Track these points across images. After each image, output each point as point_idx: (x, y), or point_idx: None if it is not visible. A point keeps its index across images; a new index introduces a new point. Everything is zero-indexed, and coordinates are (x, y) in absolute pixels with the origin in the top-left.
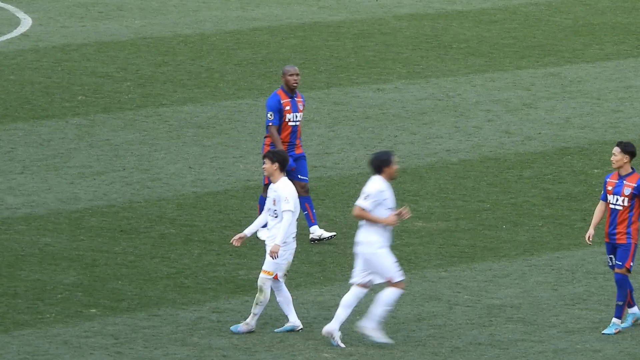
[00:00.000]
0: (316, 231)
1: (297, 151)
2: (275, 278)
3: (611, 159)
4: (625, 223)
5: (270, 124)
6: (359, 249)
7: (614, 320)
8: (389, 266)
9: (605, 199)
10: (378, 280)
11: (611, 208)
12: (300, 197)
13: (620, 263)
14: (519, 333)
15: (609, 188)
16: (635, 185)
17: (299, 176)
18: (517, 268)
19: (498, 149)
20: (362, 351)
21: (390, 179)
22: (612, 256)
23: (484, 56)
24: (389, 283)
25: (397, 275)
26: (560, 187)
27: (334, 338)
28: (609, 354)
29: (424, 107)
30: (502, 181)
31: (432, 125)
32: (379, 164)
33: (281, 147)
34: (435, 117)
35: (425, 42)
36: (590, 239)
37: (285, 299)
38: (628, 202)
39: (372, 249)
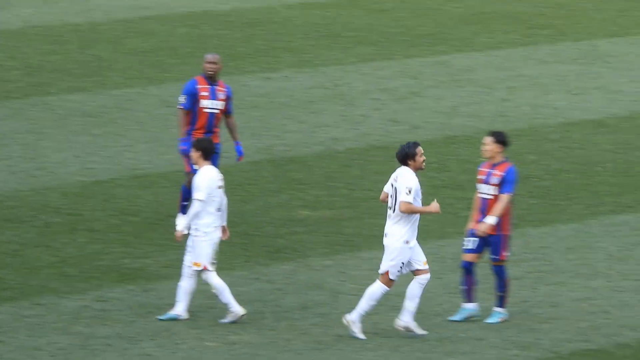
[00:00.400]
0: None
1: (214, 141)
2: (205, 269)
3: (482, 148)
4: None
5: (180, 106)
6: (385, 241)
7: (496, 309)
8: (395, 263)
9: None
10: (407, 269)
11: (482, 198)
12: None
13: (496, 257)
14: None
15: (480, 177)
16: (504, 174)
17: None
18: None
19: (385, 137)
20: (245, 340)
21: (417, 169)
22: (474, 239)
23: (372, 45)
24: (381, 276)
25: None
26: (446, 176)
27: (352, 328)
28: (492, 342)
29: (312, 95)
30: (388, 170)
31: (319, 114)
32: (404, 157)
33: (184, 130)
34: (323, 105)
35: (315, 30)
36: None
37: (185, 289)
38: (498, 191)
39: (399, 243)
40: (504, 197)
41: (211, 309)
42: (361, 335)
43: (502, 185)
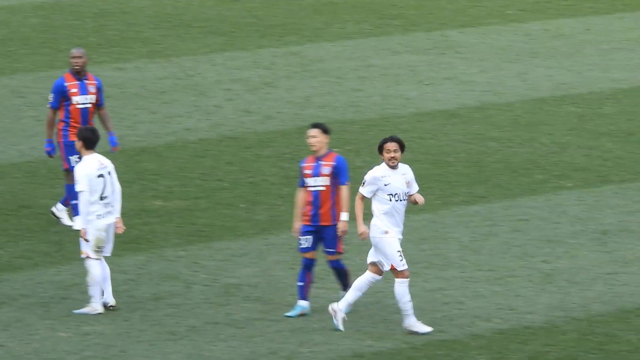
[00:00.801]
0: (60, 211)
1: None
2: (88, 257)
3: (310, 141)
4: (329, 204)
5: (48, 105)
6: (369, 233)
7: (301, 302)
8: (391, 254)
9: (303, 185)
10: (386, 267)
11: (313, 191)
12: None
13: (332, 250)
14: (256, 312)
15: (307, 172)
16: (335, 164)
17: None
18: (255, 247)
19: (237, 128)
20: (98, 330)
21: (388, 165)
22: (309, 237)
23: (224, 35)
24: (393, 273)
25: (400, 264)
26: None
27: (336, 318)
28: (346, 332)
29: (164, 86)
30: (240, 160)
31: (171, 105)
32: (378, 149)
33: (50, 130)
34: (175, 96)
35: (167, 21)
36: (298, 231)
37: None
38: (329, 181)
39: (378, 234)
40: (345, 189)
41: (64, 299)
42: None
43: (338, 176)
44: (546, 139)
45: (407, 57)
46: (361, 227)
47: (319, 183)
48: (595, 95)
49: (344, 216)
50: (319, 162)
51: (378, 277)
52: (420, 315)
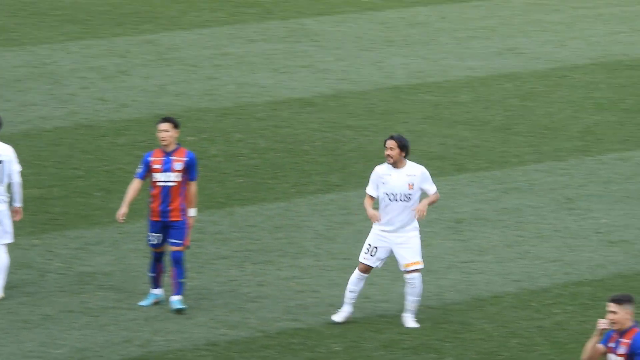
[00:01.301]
0: None
1: None
2: None
3: (161, 135)
4: (179, 200)
5: None
6: None
7: (176, 297)
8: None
9: (143, 177)
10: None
11: (162, 186)
12: None
13: (180, 241)
14: (110, 300)
15: (157, 167)
16: (187, 159)
17: None
18: (109, 235)
19: (93, 116)
20: None
21: (388, 163)
22: (160, 234)
23: (80, 23)
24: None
25: (361, 255)
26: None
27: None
28: (200, 321)
29: (19, 74)
30: (96, 148)
31: (27, 93)
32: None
33: None
34: (30, 84)
35: (22, 9)
36: (122, 217)
37: None
38: (181, 177)
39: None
40: (195, 185)
41: None
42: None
43: (189, 171)
44: (402, 127)
45: (263, 46)
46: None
47: (170, 179)
48: (450, 84)
49: (193, 212)
50: (170, 157)
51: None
52: (274, 303)
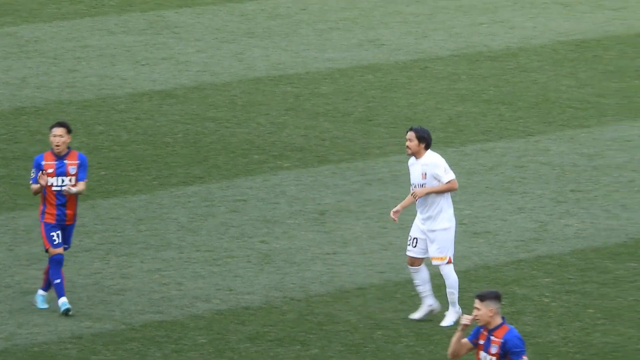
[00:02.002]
0: None
1: None
2: None
3: (55, 140)
4: (75, 203)
5: None
6: None
7: (62, 300)
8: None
9: (37, 181)
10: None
11: (58, 191)
12: None
13: (67, 245)
14: None
15: (50, 171)
16: (79, 162)
17: None
18: None
19: None
20: None
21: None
22: (59, 232)
23: None
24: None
25: (407, 248)
26: (17, 147)
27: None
28: (57, 314)
29: None
30: None
31: None
32: None
33: None
34: None
35: None
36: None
37: None
38: (75, 180)
39: None
40: (84, 184)
41: None
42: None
43: (79, 171)
44: (263, 119)
45: (123, 38)
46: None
47: (66, 183)
48: (311, 75)
49: (74, 189)
50: (63, 161)
51: (440, 266)
52: (137, 296)
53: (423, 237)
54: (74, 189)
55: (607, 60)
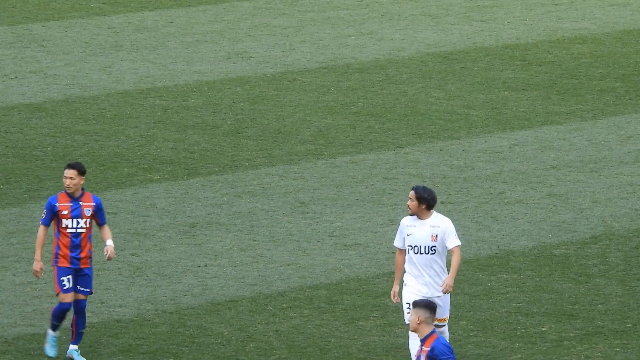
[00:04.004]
0: None
1: None
2: None
3: (66, 182)
4: (89, 246)
5: None
6: None
7: (74, 347)
8: (403, 306)
9: (48, 224)
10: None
11: (72, 233)
12: None
13: (87, 290)
14: None
15: (65, 212)
16: (94, 204)
17: None
18: None
19: None
20: None
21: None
22: (71, 276)
23: None
24: None
25: (405, 317)
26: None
27: None
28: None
29: None
30: None
31: None
32: None
33: None
34: None
35: None
36: (42, 273)
37: None
38: (89, 223)
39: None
40: (107, 227)
41: None
42: None
43: (99, 215)
44: (132, 132)
45: None
46: (394, 287)
47: (80, 225)
48: (180, 88)
49: (111, 242)
50: (79, 203)
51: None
52: (10, 308)
53: None
54: (111, 254)
55: (476, 72)
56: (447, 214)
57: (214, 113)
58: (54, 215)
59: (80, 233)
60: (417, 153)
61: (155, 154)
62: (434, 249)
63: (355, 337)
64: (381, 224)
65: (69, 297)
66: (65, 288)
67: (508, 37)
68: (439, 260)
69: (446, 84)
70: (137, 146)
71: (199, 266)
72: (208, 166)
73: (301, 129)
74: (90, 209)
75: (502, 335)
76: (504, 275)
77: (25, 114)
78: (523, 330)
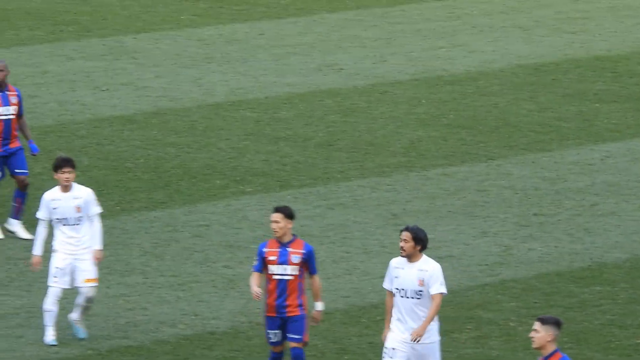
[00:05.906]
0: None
1: (13, 145)
2: None
3: (272, 227)
4: (296, 294)
5: None
6: None
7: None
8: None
9: (260, 270)
10: None
11: (279, 280)
12: (16, 190)
13: (299, 337)
14: None
15: (272, 258)
16: (304, 251)
17: (16, 170)
18: None
19: None
20: None
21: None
22: (279, 331)
23: None
24: None
25: None
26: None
27: None
28: (31, 339)
29: None
30: None
31: None
32: None
33: None
34: None
35: None
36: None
37: None
38: (298, 270)
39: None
40: (318, 277)
41: None
42: None
43: (308, 265)
44: (224, 144)
45: (82, 63)
46: (384, 331)
47: (287, 272)
48: (271, 100)
49: (320, 306)
50: (287, 249)
51: None
52: (103, 321)
53: (404, 350)
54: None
55: (566, 83)
56: (539, 226)
57: (306, 125)
58: (263, 261)
59: (287, 280)
60: (508, 165)
61: (247, 166)
62: (420, 294)
63: (450, 349)
64: (474, 236)
65: (278, 348)
66: (271, 341)
67: (599, 48)
68: (423, 307)
69: (537, 96)
70: (229, 158)
71: None
72: (300, 178)
73: (393, 141)
74: (300, 256)
75: (596, 347)
76: (597, 288)
77: (116, 126)
78: (617, 342)
